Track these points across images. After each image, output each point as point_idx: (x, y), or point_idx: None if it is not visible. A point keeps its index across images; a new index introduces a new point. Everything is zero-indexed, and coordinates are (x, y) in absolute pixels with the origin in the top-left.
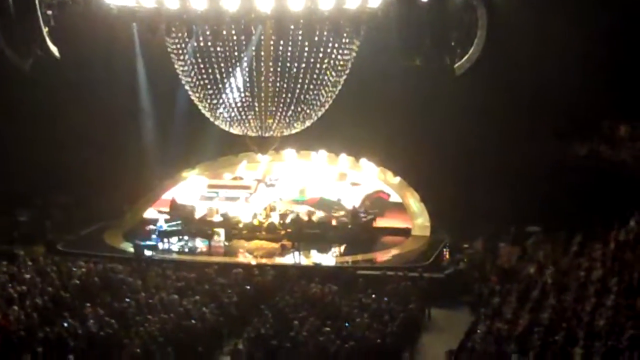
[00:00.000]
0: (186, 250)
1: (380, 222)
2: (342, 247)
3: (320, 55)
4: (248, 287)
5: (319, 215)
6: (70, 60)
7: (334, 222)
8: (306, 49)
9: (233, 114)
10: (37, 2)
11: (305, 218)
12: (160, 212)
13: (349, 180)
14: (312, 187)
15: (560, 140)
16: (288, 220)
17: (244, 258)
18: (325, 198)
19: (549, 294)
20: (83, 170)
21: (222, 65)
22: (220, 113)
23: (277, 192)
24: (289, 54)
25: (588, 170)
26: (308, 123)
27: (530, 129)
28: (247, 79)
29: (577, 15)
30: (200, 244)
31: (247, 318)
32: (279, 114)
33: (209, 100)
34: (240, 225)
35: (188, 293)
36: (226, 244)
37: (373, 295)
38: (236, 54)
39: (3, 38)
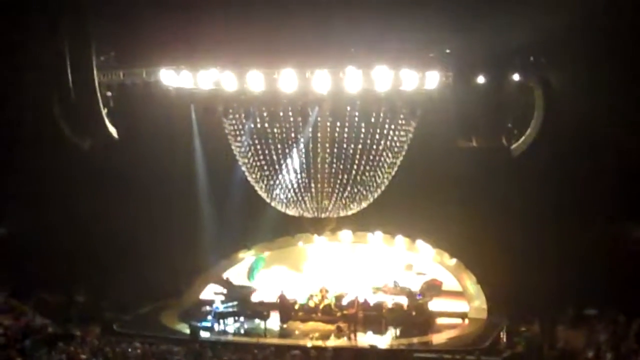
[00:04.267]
0: (242, 331)
1: (437, 305)
2: (398, 330)
3: (377, 136)
4: None
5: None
6: (129, 141)
7: (390, 305)
8: (362, 130)
9: (289, 195)
10: (97, 83)
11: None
12: (216, 293)
13: (415, 270)
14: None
15: (617, 223)
16: (344, 302)
17: (300, 340)
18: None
19: None
20: (140, 250)
21: (278, 146)
22: (277, 194)
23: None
24: (345, 135)
25: None
26: (364, 204)
27: (587, 212)
28: (304, 160)
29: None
30: (256, 325)
31: None
32: (335, 195)
33: (265, 181)
34: (297, 307)
35: None
36: (282, 325)
37: None
38: (293, 135)
39: (63, 118)
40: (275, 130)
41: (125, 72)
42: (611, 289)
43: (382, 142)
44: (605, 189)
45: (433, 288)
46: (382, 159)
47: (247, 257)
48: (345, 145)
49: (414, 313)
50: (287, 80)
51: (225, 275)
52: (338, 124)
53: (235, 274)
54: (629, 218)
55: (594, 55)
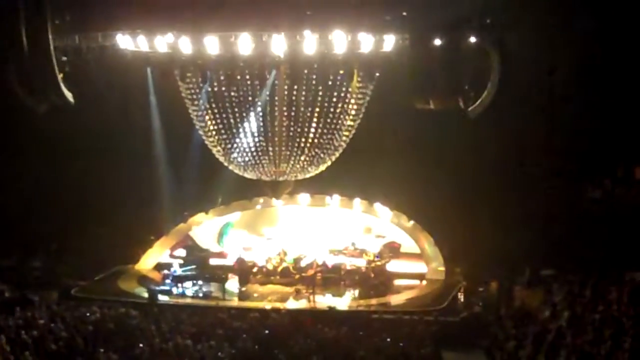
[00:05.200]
0: (200, 295)
1: (395, 266)
2: (357, 291)
3: (334, 99)
4: (267, 332)
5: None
6: (85, 105)
7: (348, 266)
8: (320, 93)
9: (247, 159)
10: (52, 48)
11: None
12: (174, 257)
13: (374, 232)
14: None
15: (575, 184)
16: (302, 264)
17: (258, 302)
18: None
19: (565, 337)
20: (96, 215)
21: (236, 109)
22: (234, 158)
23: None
24: (302, 98)
25: (603, 213)
26: (322, 167)
27: (544, 172)
28: (261, 124)
29: (590, 59)
30: (214, 288)
31: None
32: (293, 158)
33: (222, 145)
34: (255, 270)
35: (202, 338)
36: (241, 288)
37: (388, 339)
38: (250, 98)
39: (18, 83)
40: (232, 93)
41: (81, 36)
42: (567, 249)
43: (340, 105)
44: (560, 150)
45: (391, 250)
46: (340, 121)
47: (205, 221)
48: (302, 108)
49: (372, 275)
50: (244, 43)
51: (189, 239)
52: (295, 87)
53: (204, 239)
54: (584, 178)
55: (548, 17)
